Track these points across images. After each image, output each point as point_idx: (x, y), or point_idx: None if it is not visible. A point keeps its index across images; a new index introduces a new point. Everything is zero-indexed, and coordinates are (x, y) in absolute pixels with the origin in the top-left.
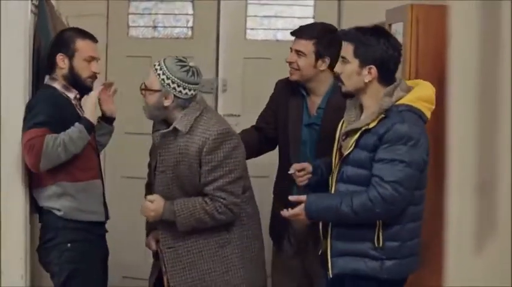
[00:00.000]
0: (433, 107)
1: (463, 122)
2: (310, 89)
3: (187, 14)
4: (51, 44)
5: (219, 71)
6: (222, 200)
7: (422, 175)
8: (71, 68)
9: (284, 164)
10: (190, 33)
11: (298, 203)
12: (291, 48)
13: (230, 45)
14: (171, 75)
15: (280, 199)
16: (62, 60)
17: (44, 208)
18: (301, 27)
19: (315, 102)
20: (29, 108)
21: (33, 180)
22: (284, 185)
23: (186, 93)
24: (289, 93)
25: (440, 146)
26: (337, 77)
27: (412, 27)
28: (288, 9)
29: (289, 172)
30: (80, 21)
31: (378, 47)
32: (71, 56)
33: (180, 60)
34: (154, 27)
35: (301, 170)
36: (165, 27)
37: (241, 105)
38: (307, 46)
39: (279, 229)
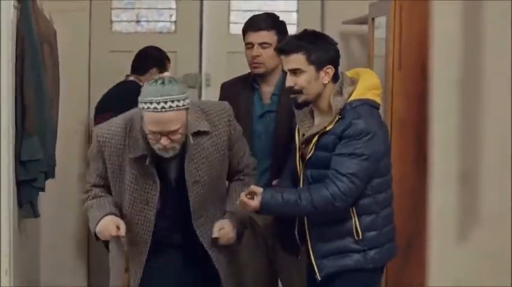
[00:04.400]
0: (380, 91)
1: (445, 114)
2: (264, 80)
3: (170, 8)
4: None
5: (202, 66)
6: (255, 163)
7: (381, 163)
8: None
9: None
10: (173, 27)
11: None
12: (250, 43)
13: (213, 40)
14: (184, 95)
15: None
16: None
17: None
18: (255, 20)
19: (268, 91)
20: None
21: None
22: None
23: None
24: (237, 91)
25: (422, 139)
26: (289, 91)
27: (395, 20)
28: (271, 3)
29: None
30: (63, 16)
31: (327, 48)
32: None
33: (163, 81)
34: (138, 21)
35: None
36: (148, 21)
37: None
38: (271, 36)
39: None
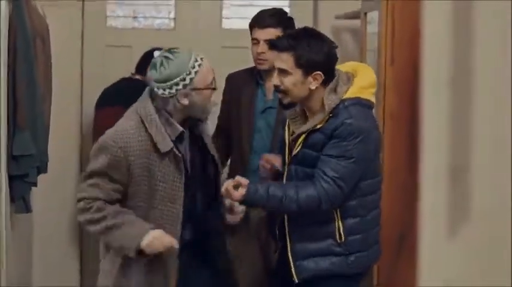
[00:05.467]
0: (375, 87)
1: (436, 112)
2: (268, 76)
3: (168, 5)
4: None
5: None
6: None
7: (372, 165)
8: None
9: (237, 154)
10: (172, 24)
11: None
12: (255, 39)
13: (206, 35)
14: None
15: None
16: None
17: None
18: (262, 16)
19: (271, 87)
20: None
21: None
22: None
23: None
24: (242, 84)
25: (415, 134)
26: (276, 89)
27: (387, 15)
28: None
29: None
30: (55, 11)
31: (320, 51)
32: None
33: (170, 52)
34: (135, 17)
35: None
36: (145, 17)
37: (218, 95)
38: (277, 34)
39: None
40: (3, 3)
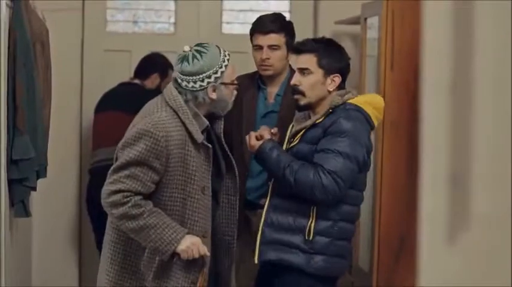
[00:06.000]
0: (381, 117)
1: (436, 116)
2: (270, 80)
3: (169, 10)
4: None
5: None
6: None
7: (360, 175)
8: None
9: (237, 158)
10: (172, 28)
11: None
12: (258, 45)
13: (206, 40)
14: None
15: None
16: None
17: None
18: (264, 21)
19: (273, 91)
20: None
21: None
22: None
23: None
24: (243, 89)
25: (415, 140)
26: (293, 89)
27: (387, 20)
28: (264, 3)
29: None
30: (55, 16)
31: (341, 57)
32: None
33: (201, 48)
34: (135, 22)
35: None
36: (146, 22)
37: None
38: (280, 39)
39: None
40: (3, 8)
